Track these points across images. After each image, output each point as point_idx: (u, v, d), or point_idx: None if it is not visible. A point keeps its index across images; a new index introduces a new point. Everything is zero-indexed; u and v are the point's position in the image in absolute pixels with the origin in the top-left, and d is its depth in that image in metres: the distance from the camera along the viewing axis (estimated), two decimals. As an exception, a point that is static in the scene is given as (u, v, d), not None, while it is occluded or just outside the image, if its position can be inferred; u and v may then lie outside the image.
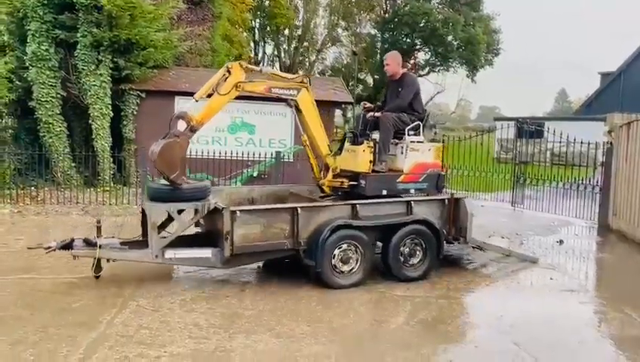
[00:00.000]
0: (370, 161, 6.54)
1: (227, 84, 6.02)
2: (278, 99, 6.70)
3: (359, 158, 6.54)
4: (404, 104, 6.81)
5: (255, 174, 12.36)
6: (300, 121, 6.72)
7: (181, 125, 5.74)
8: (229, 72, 6.06)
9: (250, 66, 6.38)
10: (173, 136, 5.71)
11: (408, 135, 6.72)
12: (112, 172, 12.33)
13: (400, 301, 5.70)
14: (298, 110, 6.60)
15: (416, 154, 6.68)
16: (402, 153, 6.72)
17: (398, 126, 6.72)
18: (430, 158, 6.78)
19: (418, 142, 6.77)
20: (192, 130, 5.81)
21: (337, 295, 5.73)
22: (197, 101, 5.93)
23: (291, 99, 6.47)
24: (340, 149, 6.92)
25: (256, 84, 6.33)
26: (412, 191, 6.66)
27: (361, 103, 7.57)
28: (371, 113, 7.02)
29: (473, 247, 7.23)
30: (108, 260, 5.87)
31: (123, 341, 4.38)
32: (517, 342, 4.69)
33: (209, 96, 6.09)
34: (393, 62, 7.04)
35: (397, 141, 6.81)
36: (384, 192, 6.49)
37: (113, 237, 6.41)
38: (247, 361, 4.14)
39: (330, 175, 6.71)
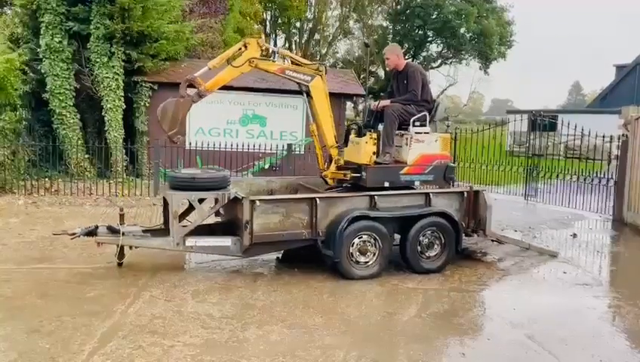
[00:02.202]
0: (374, 153, 6.47)
1: (242, 57, 6.13)
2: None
3: (362, 150, 6.47)
4: (416, 98, 6.67)
5: (266, 166, 12.38)
6: (310, 108, 6.72)
7: (190, 89, 6.01)
8: (245, 46, 6.17)
9: (267, 45, 6.44)
10: (179, 96, 5.97)
11: (414, 126, 6.60)
12: (124, 164, 12.41)
13: (412, 293, 5.69)
14: (309, 96, 6.59)
15: (421, 145, 6.55)
16: (407, 144, 6.62)
17: (404, 117, 6.60)
18: (437, 149, 6.65)
19: (424, 133, 6.64)
20: (200, 94, 6.05)
21: (350, 287, 5.74)
22: (210, 69, 6.10)
23: (303, 85, 6.46)
24: (346, 141, 6.89)
25: (270, 63, 6.37)
26: (417, 183, 6.59)
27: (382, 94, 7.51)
28: (374, 103, 6.96)
29: (492, 240, 7.16)
30: (131, 247, 5.99)
31: (137, 330, 4.42)
32: (530, 335, 4.67)
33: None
34: (392, 55, 6.92)
35: (402, 132, 6.72)
36: (386, 184, 6.41)
37: (135, 224, 6.56)
38: (260, 352, 4.16)
39: (333, 166, 6.67)
